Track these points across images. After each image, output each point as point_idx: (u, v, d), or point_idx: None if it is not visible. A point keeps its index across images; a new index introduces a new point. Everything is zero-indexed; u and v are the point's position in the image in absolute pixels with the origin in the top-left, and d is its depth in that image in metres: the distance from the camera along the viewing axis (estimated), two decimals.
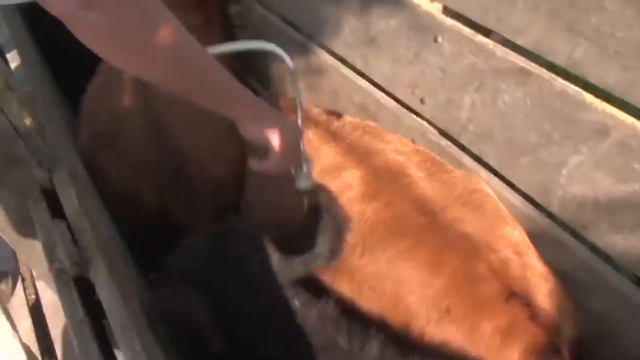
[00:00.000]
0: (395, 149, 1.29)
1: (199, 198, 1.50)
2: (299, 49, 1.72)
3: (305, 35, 1.72)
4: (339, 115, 1.43)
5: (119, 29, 0.74)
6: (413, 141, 1.42)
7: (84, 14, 0.70)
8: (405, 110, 1.44)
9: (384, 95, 1.49)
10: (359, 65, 1.54)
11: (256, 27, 1.95)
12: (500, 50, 1.13)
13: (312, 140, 1.34)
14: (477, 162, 1.29)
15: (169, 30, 0.78)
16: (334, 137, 1.35)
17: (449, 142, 1.35)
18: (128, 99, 1.53)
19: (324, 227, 1.00)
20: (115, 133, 1.52)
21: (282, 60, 1.15)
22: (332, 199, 1.08)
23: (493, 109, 1.19)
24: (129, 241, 1.37)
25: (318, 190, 1.10)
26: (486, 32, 1.18)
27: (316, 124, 1.40)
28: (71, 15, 0.71)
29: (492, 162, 1.24)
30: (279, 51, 1.14)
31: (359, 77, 1.57)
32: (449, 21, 1.24)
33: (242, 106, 0.94)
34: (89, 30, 0.73)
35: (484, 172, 1.27)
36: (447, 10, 1.25)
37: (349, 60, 1.58)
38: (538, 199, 1.17)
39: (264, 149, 0.98)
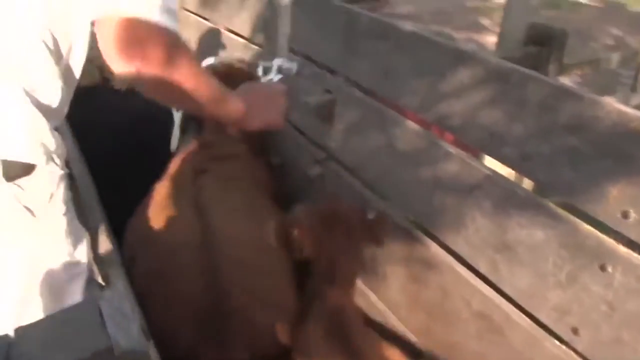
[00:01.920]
0: None
1: (235, 343, 1.42)
2: (406, 235, 1.56)
3: (413, 224, 1.56)
4: None
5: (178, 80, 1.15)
6: None
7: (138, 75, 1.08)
8: (546, 334, 1.24)
9: (516, 310, 1.29)
10: (483, 270, 1.36)
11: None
12: None
13: None
14: None
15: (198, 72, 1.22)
16: None
17: None
18: (186, 231, 1.56)
19: None
20: (167, 263, 1.52)
21: None
22: None
23: None
24: None
25: None
26: None
27: None
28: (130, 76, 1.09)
29: None
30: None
31: (481, 282, 1.38)
32: (623, 249, 1.07)
33: (232, 101, 1.37)
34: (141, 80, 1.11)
35: None
36: (623, 238, 1.08)
37: (469, 260, 1.40)
38: None
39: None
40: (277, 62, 1.77)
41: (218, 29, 2.66)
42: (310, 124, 1.97)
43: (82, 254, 1.31)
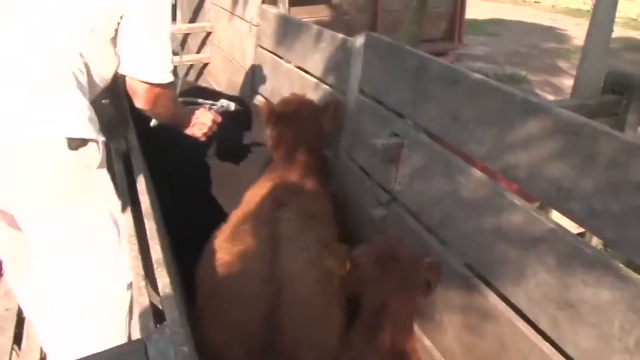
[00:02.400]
0: None
1: None
2: (464, 283, 1.54)
3: (472, 272, 1.54)
4: None
5: (163, 112, 1.79)
6: None
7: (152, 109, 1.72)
8: None
9: None
10: (543, 326, 1.32)
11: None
12: None
13: None
14: None
15: (174, 108, 1.83)
16: None
17: None
18: (256, 261, 1.64)
19: None
20: (229, 285, 1.61)
21: None
22: None
23: None
24: None
25: None
26: None
27: None
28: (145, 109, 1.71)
29: None
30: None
31: (540, 338, 1.34)
32: None
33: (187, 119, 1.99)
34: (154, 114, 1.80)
35: None
36: None
37: (529, 314, 1.36)
38: None
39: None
40: (221, 102, 2.25)
41: (291, 68, 2.76)
42: (376, 166, 1.99)
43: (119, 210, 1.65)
